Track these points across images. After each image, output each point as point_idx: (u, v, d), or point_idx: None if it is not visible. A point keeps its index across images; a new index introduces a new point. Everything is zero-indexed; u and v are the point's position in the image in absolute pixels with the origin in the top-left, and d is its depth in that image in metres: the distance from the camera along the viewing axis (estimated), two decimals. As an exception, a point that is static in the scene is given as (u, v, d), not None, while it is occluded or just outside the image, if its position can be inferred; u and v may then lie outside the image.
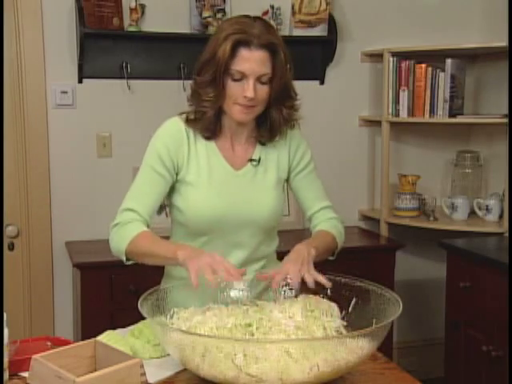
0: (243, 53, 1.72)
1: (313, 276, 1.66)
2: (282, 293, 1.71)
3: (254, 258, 1.88)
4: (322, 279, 1.67)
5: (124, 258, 1.79)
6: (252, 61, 1.72)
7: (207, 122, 1.81)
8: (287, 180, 1.95)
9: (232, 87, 1.74)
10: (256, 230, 1.87)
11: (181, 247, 1.69)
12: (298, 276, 1.65)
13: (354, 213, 3.72)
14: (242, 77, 1.73)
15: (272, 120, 1.84)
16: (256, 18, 1.79)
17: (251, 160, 1.87)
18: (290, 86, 1.82)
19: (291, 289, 1.70)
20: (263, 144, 1.89)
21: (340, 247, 1.96)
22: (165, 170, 1.81)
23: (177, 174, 1.83)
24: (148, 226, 1.81)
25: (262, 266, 1.91)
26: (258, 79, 1.74)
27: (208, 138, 1.84)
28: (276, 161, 1.90)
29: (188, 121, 1.83)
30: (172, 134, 1.84)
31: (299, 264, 1.67)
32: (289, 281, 1.66)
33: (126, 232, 1.76)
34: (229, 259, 1.83)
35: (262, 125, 1.86)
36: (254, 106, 1.76)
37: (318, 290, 1.69)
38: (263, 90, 1.75)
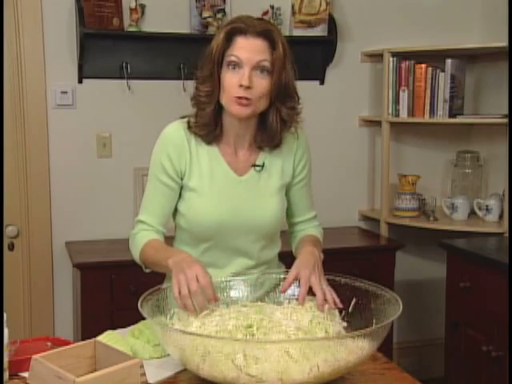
0: (239, 40, 1.70)
1: (323, 292, 1.66)
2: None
3: (256, 263, 1.87)
4: (334, 298, 1.66)
5: (143, 267, 1.83)
6: (248, 49, 1.69)
7: (207, 118, 1.77)
8: None
9: (228, 77, 1.71)
10: (259, 236, 1.85)
11: (173, 255, 1.68)
12: (307, 282, 1.66)
13: (354, 213, 3.72)
14: (239, 65, 1.70)
15: (269, 122, 1.78)
16: (259, 18, 1.79)
17: (255, 166, 1.84)
18: (291, 85, 1.77)
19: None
20: (268, 150, 1.85)
21: None
22: (170, 180, 1.81)
23: (182, 179, 1.83)
24: (163, 234, 1.84)
25: (264, 270, 1.89)
26: (256, 68, 1.70)
27: (210, 143, 1.81)
28: (280, 167, 1.87)
29: (189, 126, 1.81)
30: (173, 142, 1.81)
31: (310, 269, 1.69)
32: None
33: (137, 243, 1.81)
34: (231, 265, 1.85)
35: (261, 128, 1.82)
36: (251, 98, 1.71)
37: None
38: (261, 82, 1.71)
